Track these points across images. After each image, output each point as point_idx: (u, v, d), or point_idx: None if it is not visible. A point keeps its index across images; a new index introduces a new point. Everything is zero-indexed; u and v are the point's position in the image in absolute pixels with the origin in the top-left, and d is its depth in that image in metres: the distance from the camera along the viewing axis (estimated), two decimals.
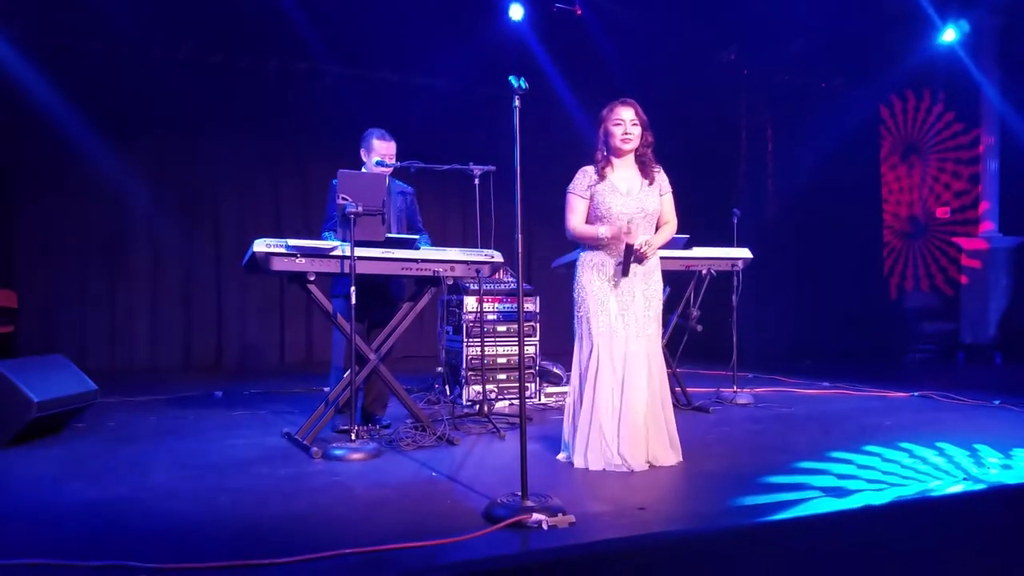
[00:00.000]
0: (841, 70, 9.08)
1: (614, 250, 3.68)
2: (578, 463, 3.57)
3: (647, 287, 3.72)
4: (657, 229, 3.81)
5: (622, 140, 3.70)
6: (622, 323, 3.64)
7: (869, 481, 3.25)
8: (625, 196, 3.70)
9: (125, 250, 8.11)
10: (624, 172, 3.76)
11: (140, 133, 8.00)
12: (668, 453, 3.63)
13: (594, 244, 3.72)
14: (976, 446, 3.91)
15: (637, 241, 3.62)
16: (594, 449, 3.55)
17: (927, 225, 9.54)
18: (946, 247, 9.35)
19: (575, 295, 3.75)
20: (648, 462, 3.57)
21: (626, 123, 3.70)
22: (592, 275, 3.70)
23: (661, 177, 3.82)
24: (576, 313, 3.75)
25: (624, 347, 3.62)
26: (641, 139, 3.74)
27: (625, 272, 3.65)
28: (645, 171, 3.78)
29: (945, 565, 2.80)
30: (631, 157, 3.78)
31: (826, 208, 9.17)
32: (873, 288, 9.69)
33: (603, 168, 3.74)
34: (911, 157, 9.62)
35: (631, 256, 3.62)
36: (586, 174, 3.76)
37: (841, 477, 3.30)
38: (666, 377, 3.80)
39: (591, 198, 3.73)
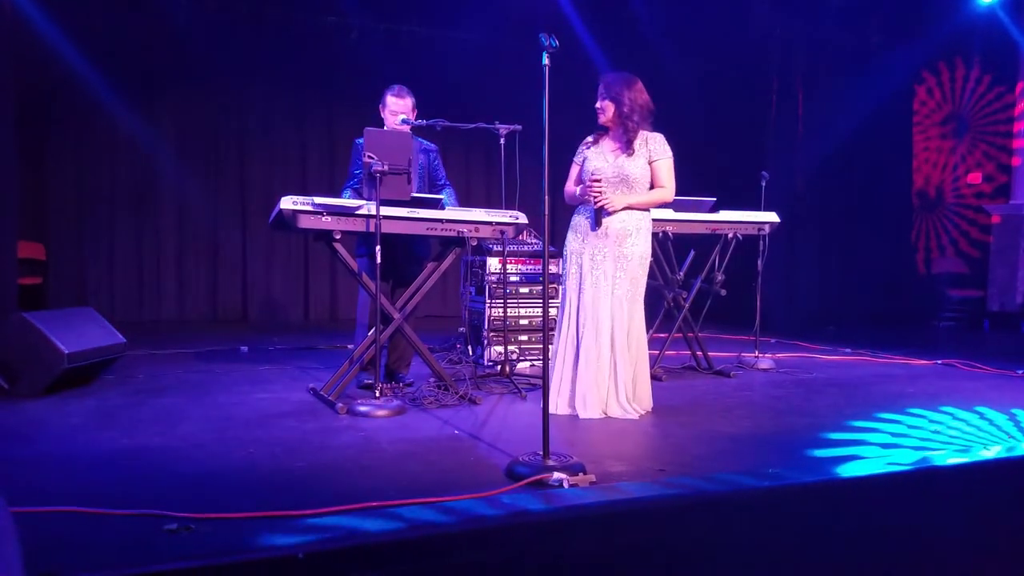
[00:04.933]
0: (876, 30, 8.86)
1: (586, 210, 3.97)
2: (554, 410, 3.85)
3: (619, 249, 3.91)
4: None
5: (597, 113, 4.00)
6: (591, 281, 3.89)
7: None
8: (603, 160, 3.95)
9: (153, 203, 8.19)
10: (612, 140, 4.01)
11: (168, 87, 8.03)
12: (621, 407, 3.83)
13: (578, 205, 4.05)
14: (1014, 411, 3.95)
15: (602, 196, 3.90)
16: (560, 395, 3.90)
17: (942, 199, 9.38)
18: (959, 220, 9.20)
19: (563, 254, 4.10)
20: (604, 412, 3.82)
21: (598, 98, 3.98)
22: (572, 235, 4.03)
23: (654, 144, 3.98)
24: (562, 271, 4.09)
25: (591, 303, 3.88)
26: (615, 112, 3.93)
27: (594, 226, 3.90)
28: (628, 139, 3.96)
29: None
30: (620, 127, 3.97)
31: (857, 172, 9.03)
32: (902, 255, 9.58)
33: (599, 136, 4.05)
34: (954, 128, 9.40)
35: (600, 212, 3.89)
36: (585, 142, 4.10)
37: (859, 442, 3.31)
38: (643, 336, 3.99)
39: (582, 163, 4.04)
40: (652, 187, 3.97)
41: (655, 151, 3.94)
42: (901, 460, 2.93)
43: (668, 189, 3.98)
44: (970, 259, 9.23)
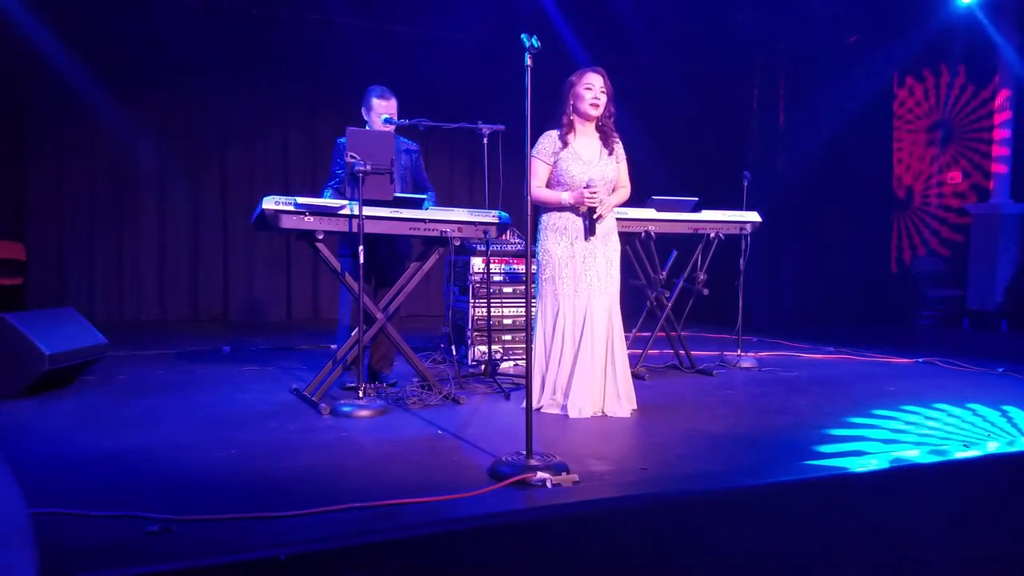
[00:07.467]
0: (858, 32, 8.92)
1: (573, 214, 3.90)
2: (547, 410, 3.87)
3: (607, 248, 3.96)
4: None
5: (591, 105, 3.88)
6: (585, 282, 3.87)
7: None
8: (586, 164, 3.90)
9: (134, 203, 8.14)
10: (586, 139, 3.96)
11: (149, 85, 7.98)
12: (620, 404, 3.86)
13: (556, 208, 3.93)
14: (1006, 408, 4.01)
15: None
16: (555, 396, 3.88)
17: (924, 199, 9.46)
18: (931, 220, 9.29)
19: (539, 258, 3.98)
20: (603, 412, 3.84)
21: (595, 88, 3.88)
22: (556, 238, 3.93)
23: (619, 147, 4.02)
24: (541, 275, 3.97)
25: (587, 304, 3.86)
26: (605, 108, 3.91)
27: (589, 235, 3.88)
28: (606, 140, 3.97)
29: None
30: (593, 124, 3.96)
31: (839, 172, 9.08)
32: (882, 254, 9.67)
33: (567, 134, 3.93)
34: (931, 126, 9.47)
35: (594, 217, 3.86)
36: (551, 139, 3.96)
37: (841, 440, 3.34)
38: (622, 333, 4.02)
39: (554, 164, 3.93)
40: (613, 188, 4.04)
41: (620, 153, 4.03)
42: (903, 456, 2.96)
43: (628, 189, 4.11)
44: (949, 258, 9.31)
